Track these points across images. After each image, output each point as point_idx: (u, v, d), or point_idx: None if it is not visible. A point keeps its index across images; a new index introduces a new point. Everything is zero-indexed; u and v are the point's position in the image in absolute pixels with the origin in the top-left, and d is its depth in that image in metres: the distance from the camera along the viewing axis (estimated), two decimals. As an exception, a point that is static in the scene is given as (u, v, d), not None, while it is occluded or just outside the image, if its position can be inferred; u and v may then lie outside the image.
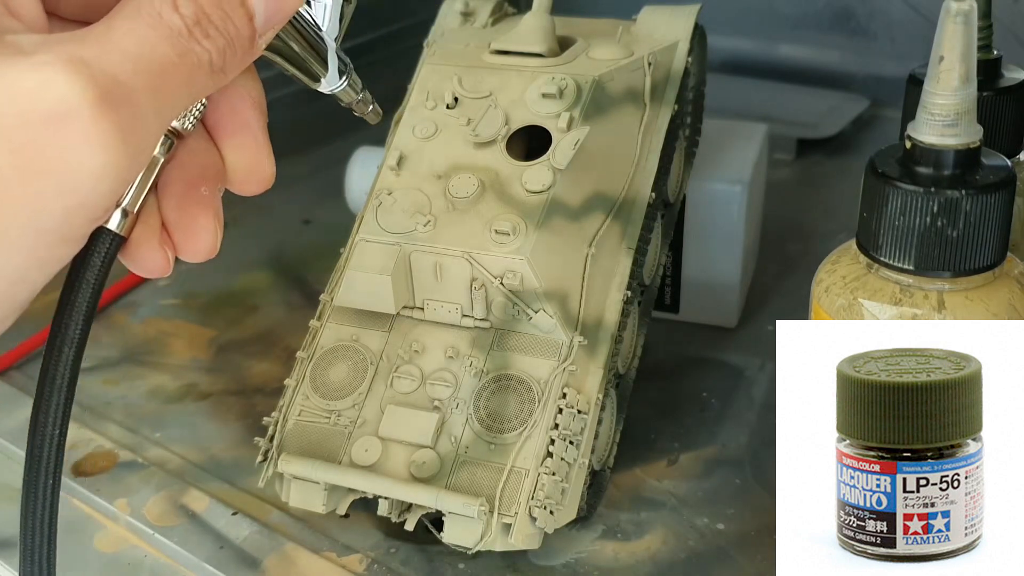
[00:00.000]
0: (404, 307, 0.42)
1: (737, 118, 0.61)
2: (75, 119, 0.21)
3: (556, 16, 0.48)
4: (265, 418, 0.42)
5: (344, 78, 0.30)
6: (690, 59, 0.49)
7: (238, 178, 0.28)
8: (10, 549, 0.43)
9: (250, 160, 0.28)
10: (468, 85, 0.45)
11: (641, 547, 0.43)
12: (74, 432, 0.48)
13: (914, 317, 0.30)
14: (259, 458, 0.41)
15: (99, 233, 0.25)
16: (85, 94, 0.21)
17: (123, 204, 0.25)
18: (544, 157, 0.42)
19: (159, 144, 0.26)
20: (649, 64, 0.46)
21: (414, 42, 0.54)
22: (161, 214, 0.27)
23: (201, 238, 0.27)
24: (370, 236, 0.41)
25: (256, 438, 0.42)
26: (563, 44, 0.47)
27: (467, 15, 0.52)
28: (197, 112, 0.26)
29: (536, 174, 0.41)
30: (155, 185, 0.26)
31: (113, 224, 0.25)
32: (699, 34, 0.51)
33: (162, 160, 0.26)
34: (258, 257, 0.66)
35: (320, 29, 0.28)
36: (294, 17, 0.27)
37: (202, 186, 0.27)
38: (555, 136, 0.42)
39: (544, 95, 0.43)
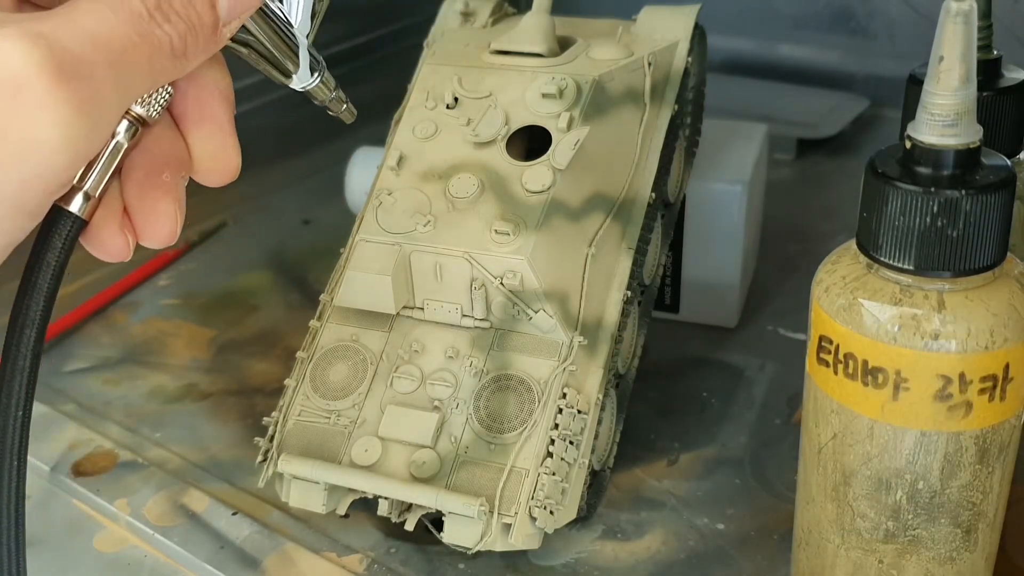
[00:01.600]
0: (404, 307, 0.42)
1: (737, 118, 0.61)
2: (31, 89, 0.21)
3: (556, 16, 0.48)
4: (265, 418, 0.42)
5: (316, 75, 0.30)
6: (690, 59, 0.49)
7: (203, 168, 0.28)
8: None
9: (215, 150, 0.28)
10: (468, 85, 0.45)
11: (641, 547, 0.43)
12: (74, 432, 0.48)
13: (914, 317, 0.30)
14: (259, 458, 0.42)
15: (60, 215, 0.25)
16: (41, 65, 0.21)
17: (85, 187, 0.25)
18: (544, 157, 0.42)
19: (124, 131, 0.26)
20: (649, 64, 0.46)
21: (414, 42, 0.54)
22: (123, 199, 0.27)
23: (160, 223, 0.27)
24: (370, 236, 0.41)
25: (256, 438, 0.42)
26: (563, 44, 0.47)
27: (467, 15, 0.52)
28: (163, 100, 0.26)
29: (536, 174, 0.41)
30: (119, 171, 0.26)
31: (75, 207, 0.25)
32: (699, 34, 0.51)
33: (126, 146, 0.26)
34: (258, 257, 0.66)
35: (291, 25, 0.28)
36: (262, 10, 0.27)
37: (164, 172, 0.27)
38: (555, 136, 0.42)
39: (544, 95, 0.43)
